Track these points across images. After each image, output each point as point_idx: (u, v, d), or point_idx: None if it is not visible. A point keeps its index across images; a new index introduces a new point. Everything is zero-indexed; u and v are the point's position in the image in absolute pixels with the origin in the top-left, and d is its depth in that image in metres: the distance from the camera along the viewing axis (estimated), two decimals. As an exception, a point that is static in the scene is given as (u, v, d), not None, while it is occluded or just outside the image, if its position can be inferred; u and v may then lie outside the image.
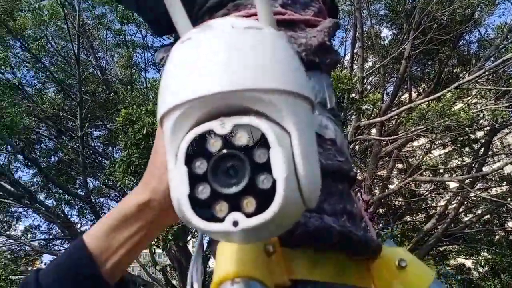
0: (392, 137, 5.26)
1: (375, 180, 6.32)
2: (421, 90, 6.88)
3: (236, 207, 0.35)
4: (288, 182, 0.35)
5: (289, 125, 0.37)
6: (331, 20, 0.67)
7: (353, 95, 4.96)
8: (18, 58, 7.37)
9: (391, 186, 6.17)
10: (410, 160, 6.50)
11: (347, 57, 6.39)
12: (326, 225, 0.53)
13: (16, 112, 6.79)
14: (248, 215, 0.35)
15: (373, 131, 6.20)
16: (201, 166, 0.37)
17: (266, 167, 0.35)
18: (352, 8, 5.84)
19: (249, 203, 0.35)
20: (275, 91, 0.37)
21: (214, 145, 0.37)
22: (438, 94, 4.39)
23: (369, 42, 6.57)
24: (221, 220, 0.35)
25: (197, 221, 0.36)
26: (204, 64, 0.38)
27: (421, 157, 6.20)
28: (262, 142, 0.36)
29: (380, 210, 7.10)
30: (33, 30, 6.61)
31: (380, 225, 7.12)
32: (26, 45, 6.81)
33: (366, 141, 6.03)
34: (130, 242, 0.56)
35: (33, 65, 7.63)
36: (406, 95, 6.78)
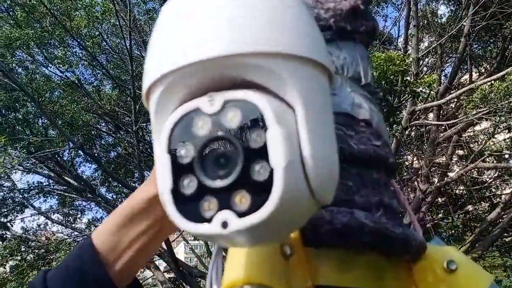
0: (451, 122, 4.93)
1: (433, 168, 5.97)
2: (483, 70, 6.39)
3: (227, 204, 0.28)
4: (290, 172, 0.28)
5: (293, 98, 0.30)
6: (365, -18, 0.57)
7: (408, 78, 4.68)
8: (76, 56, 7.70)
9: (451, 174, 5.81)
10: (471, 145, 6.07)
11: (401, 38, 6.06)
12: (356, 221, 0.45)
13: (75, 109, 7.12)
14: (241, 214, 0.28)
15: (430, 115, 5.86)
16: (187, 154, 0.30)
17: (262, 153, 0.28)
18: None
19: (243, 199, 0.28)
20: (276, 55, 0.29)
21: (202, 127, 0.30)
22: (502, 73, 4.02)
23: (425, 21, 6.19)
24: (209, 220, 0.29)
25: (180, 222, 0.29)
26: (186, 27, 0.31)
27: (484, 142, 5.77)
28: (259, 122, 0.29)
29: (440, 200, 6.72)
30: (88, 28, 6.86)
31: (440, 215, 6.76)
32: (82, 43, 7.10)
33: (423, 126, 5.70)
34: (140, 240, 0.51)
35: (90, 63, 7.95)
36: (467, 76, 6.32)
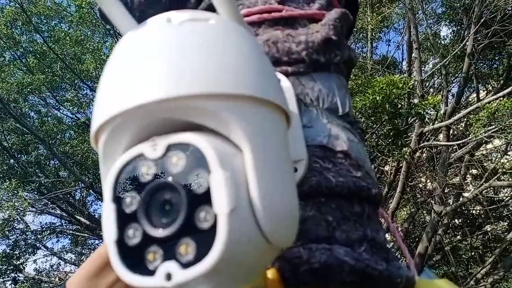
0: (460, 141, 4.84)
1: (448, 189, 5.84)
2: (490, 88, 6.34)
3: (172, 254, 0.27)
4: (234, 218, 0.26)
5: (239, 139, 0.28)
6: (338, 10, 0.57)
7: (416, 100, 4.65)
8: (86, 98, 7.86)
9: (466, 194, 5.68)
10: (485, 164, 5.96)
11: (405, 62, 6.08)
12: (335, 259, 0.42)
13: (85, 148, 7.20)
14: (186, 264, 0.26)
15: (441, 136, 5.79)
16: (132, 202, 0.29)
17: (207, 199, 0.27)
18: (405, 10, 5.58)
19: (188, 248, 0.27)
20: (216, 96, 0.28)
21: (147, 173, 0.29)
22: (508, 90, 3.98)
23: (428, 43, 6.22)
24: (153, 272, 0.27)
25: (124, 274, 0.28)
26: (130, 71, 0.30)
27: (496, 160, 5.66)
28: (203, 166, 0.27)
29: (456, 221, 6.55)
30: (97, 70, 7.03)
31: (458, 237, 6.56)
32: (92, 85, 7.26)
33: (433, 148, 5.62)
34: (116, 287, 0.49)
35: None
36: (474, 95, 6.28)
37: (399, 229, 6.40)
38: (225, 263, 0.26)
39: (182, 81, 0.28)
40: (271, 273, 0.43)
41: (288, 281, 0.43)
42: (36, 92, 6.98)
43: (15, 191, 5.68)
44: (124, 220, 0.29)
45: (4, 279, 6.51)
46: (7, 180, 5.95)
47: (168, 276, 0.26)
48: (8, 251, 6.56)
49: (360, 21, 5.83)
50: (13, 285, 6.57)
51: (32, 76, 6.56)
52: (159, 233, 0.27)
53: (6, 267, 6.37)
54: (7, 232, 6.37)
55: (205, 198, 0.26)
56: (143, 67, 0.29)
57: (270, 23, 0.56)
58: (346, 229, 0.47)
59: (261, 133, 0.29)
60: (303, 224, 0.46)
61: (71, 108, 7.60)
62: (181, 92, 0.27)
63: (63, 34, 6.63)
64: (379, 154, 4.79)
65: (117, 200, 0.29)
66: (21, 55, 7.09)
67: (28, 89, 6.64)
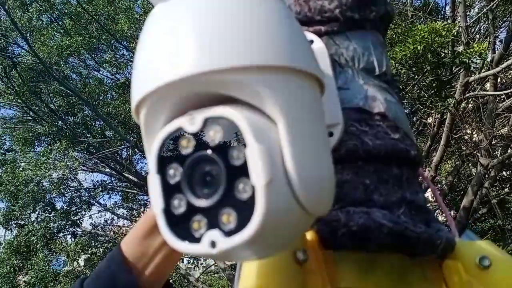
0: (509, 91, 4.58)
1: (495, 141, 5.61)
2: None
3: (215, 222, 0.28)
4: (271, 189, 0.27)
5: (273, 111, 0.29)
6: (373, -35, 0.54)
7: (461, 48, 4.39)
8: (123, 58, 7.98)
9: (515, 145, 5.45)
10: (536, 113, 5.65)
11: (448, 7, 5.72)
12: (373, 222, 0.43)
13: (128, 109, 7.40)
14: (229, 233, 0.28)
15: (487, 86, 5.50)
16: (175, 174, 0.31)
17: (244, 171, 0.28)
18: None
19: (230, 217, 0.28)
20: (247, 69, 0.28)
21: (187, 146, 0.30)
22: None
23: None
24: (199, 239, 0.29)
25: (172, 242, 0.30)
26: (163, 45, 0.30)
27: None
28: (239, 139, 0.28)
29: (504, 173, 6.33)
30: (131, 30, 7.08)
31: (506, 189, 6.37)
32: (127, 45, 7.34)
33: (480, 98, 5.36)
34: (164, 249, 0.53)
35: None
36: (526, 40, 5.86)
37: (443, 183, 6.28)
38: (264, 231, 0.27)
39: (213, 55, 0.28)
40: (310, 236, 0.45)
41: (327, 244, 0.45)
42: (76, 54, 7.15)
43: (66, 151, 5.98)
44: (169, 190, 0.30)
45: (64, 233, 7.01)
46: (57, 141, 6.26)
47: (213, 244, 0.28)
48: (65, 207, 7.01)
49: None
50: (72, 239, 7.06)
51: (70, 38, 6.70)
52: (202, 203, 0.29)
53: (65, 222, 6.82)
54: (63, 190, 6.79)
55: (243, 170, 0.27)
56: (176, 42, 0.30)
57: (303, -19, 0.55)
58: (384, 192, 0.47)
59: (294, 104, 0.29)
60: (341, 187, 0.47)
61: (110, 69, 7.76)
62: (213, 66, 0.28)
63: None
64: (421, 107, 4.64)
65: (162, 172, 0.31)
66: (57, 18, 7.21)
67: (68, 52, 6.81)
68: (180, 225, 0.30)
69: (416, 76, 4.08)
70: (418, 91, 4.45)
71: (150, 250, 0.53)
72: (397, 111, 0.52)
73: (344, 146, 0.48)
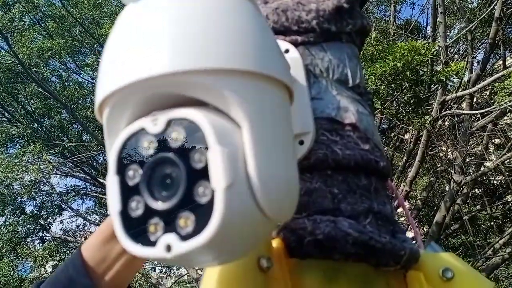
0: (484, 110, 4.71)
1: (469, 159, 5.75)
2: (518, 55, 6.10)
3: (172, 226, 0.28)
4: (231, 193, 0.26)
5: (238, 115, 0.29)
6: (350, -22, 0.55)
7: (439, 67, 4.49)
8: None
9: (487, 164, 5.59)
10: (508, 133, 5.81)
11: (429, 27, 5.86)
12: (339, 231, 0.43)
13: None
14: (185, 237, 0.27)
15: (464, 105, 5.64)
16: (134, 175, 0.30)
17: (205, 174, 0.27)
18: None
19: (188, 221, 0.27)
20: (212, 71, 0.28)
21: (148, 147, 0.30)
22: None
23: (454, 7, 5.96)
24: (154, 243, 0.28)
25: (127, 245, 0.29)
26: (129, 45, 0.30)
27: (521, 129, 5.52)
28: (201, 141, 0.28)
29: (476, 191, 6.47)
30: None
31: (477, 206, 6.51)
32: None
33: (455, 116, 5.49)
34: (126, 254, 0.51)
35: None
36: (500, 62, 6.05)
37: (418, 198, 6.37)
38: (222, 236, 0.26)
39: (178, 56, 0.28)
40: (276, 243, 0.44)
41: (293, 252, 0.44)
42: (57, 56, 7.04)
43: (40, 154, 5.85)
44: (127, 192, 0.30)
45: (33, 238, 6.81)
46: (31, 144, 6.12)
47: (168, 248, 0.27)
48: (35, 211, 6.82)
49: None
50: (40, 244, 6.87)
51: (52, 41, 6.60)
52: (160, 206, 0.28)
53: (34, 227, 6.64)
54: (34, 194, 6.62)
55: (204, 173, 0.27)
56: (142, 42, 0.29)
57: (281, -10, 0.55)
58: (351, 201, 0.47)
59: (259, 109, 0.29)
60: (309, 196, 0.47)
61: (91, 73, 7.66)
62: (177, 67, 0.27)
63: (80, -3, 6.59)
64: (398, 123, 4.72)
65: (121, 173, 0.30)
66: (40, 19, 7.10)
67: (49, 54, 6.70)
68: (137, 228, 0.29)
69: (395, 93, 4.16)
70: (396, 107, 4.54)
71: (111, 256, 0.52)
72: (368, 122, 0.53)
73: (314, 155, 0.48)
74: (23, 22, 6.79)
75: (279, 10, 0.52)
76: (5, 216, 6.32)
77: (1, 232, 6.00)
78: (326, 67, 0.53)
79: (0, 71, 6.51)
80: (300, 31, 0.52)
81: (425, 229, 6.31)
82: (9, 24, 6.46)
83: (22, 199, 6.50)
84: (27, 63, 6.44)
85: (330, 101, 0.51)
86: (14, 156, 5.84)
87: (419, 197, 6.41)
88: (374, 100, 3.69)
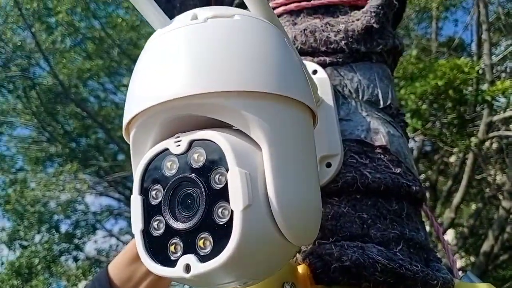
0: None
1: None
2: None
3: (191, 246, 0.27)
4: (249, 215, 0.26)
5: (258, 137, 0.28)
6: (382, -4, 0.54)
7: (485, 86, 4.29)
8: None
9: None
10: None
11: (474, 44, 5.63)
12: (367, 258, 0.41)
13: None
14: (203, 257, 0.27)
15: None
16: (157, 195, 0.30)
17: (224, 195, 0.27)
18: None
19: (206, 242, 0.27)
20: (232, 94, 0.28)
21: (171, 168, 0.30)
22: None
23: (499, 24, 5.72)
24: (174, 263, 0.28)
25: (148, 263, 0.29)
26: (155, 69, 0.31)
27: None
28: (221, 163, 0.28)
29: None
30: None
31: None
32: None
33: (503, 138, 5.23)
34: (151, 275, 0.51)
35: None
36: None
37: (464, 226, 6.05)
38: (240, 257, 0.26)
39: (200, 79, 0.28)
40: (302, 269, 0.43)
41: (319, 278, 0.43)
42: (95, 77, 7.31)
43: (76, 174, 6.02)
44: (150, 212, 0.30)
45: (67, 257, 6.95)
46: (68, 163, 6.32)
47: (187, 268, 0.27)
48: (70, 230, 6.97)
49: (423, -1, 5.36)
50: (74, 263, 7.00)
51: (90, 62, 6.86)
52: (180, 226, 0.28)
53: (68, 245, 6.78)
54: (69, 212, 6.79)
55: (223, 194, 0.27)
56: (164, 66, 0.30)
57: (310, 11, 0.55)
58: (381, 227, 0.45)
59: (280, 131, 0.29)
60: (337, 220, 0.45)
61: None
62: (198, 90, 0.28)
63: (119, 20, 6.85)
64: (442, 145, 4.52)
65: (145, 193, 0.30)
66: (80, 41, 7.42)
67: (87, 75, 6.96)
68: (158, 247, 0.29)
69: (438, 113, 4.00)
70: (439, 128, 4.35)
71: (137, 275, 0.52)
72: (400, 145, 0.51)
73: (342, 178, 0.46)
74: (64, 45, 7.10)
75: (307, 31, 0.52)
76: (41, 234, 6.49)
77: (37, 250, 6.15)
78: (355, 88, 0.52)
79: (41, 91, 6.81)
80: (328, 52, 0.52)
81: (472, 259, 6.00)
82: (51, 46, 6.78)
83: (58, 218, 6.67)
84: (67, 84, 6.72)
85: (360, 123, 0.50)
86: (51, 175, 6.04)
87: (465, 225, 6.10)
88: (414, 120, 3.58)
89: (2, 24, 6.25)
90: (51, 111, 7.10)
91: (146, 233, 0.30)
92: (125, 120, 0.32)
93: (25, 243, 6.42)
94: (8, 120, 7.13)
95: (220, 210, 0.27)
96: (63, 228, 6.89)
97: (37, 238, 6.46)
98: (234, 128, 0.30)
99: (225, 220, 0.26)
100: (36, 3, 6.13)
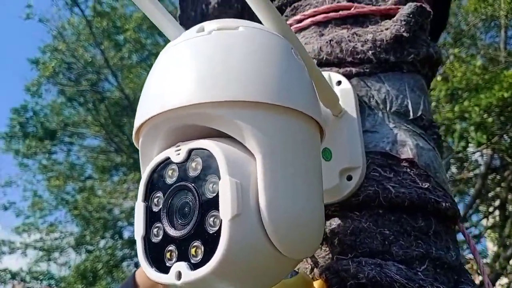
0: None
1: None
2: None
3: (185, 254, 0.28)
4: (238, 224, 0.26)
5: (252, 146, 0.28)
6: (412, 4, 0.52)
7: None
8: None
9: None
10: None
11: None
12: (384, 276, 0.39)
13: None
14: (194, 266, 0.27)
15: None
16: (158, 202, 0.31)
17: (216, 203, 0.27)
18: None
19: (198, 250, 0.28)
20: (227, 103, 0.28)
21: (171, 176, 0.31)
22: None
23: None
24: (168, 269, 0.28)
25: (146, 269, 0.30)
26: (160, 79, 0.32)
27: None
28: (215, 172, 0.28)
29: None
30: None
31: None
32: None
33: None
34: None
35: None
36: None
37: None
38: (229, 266, 0.26)
39: (197, 89, 0.29)
40: (318, 285, 0.42)
41: (335, 294, 0.41)
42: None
43: (139, 182, 6.29)
44: (152, 218, 0.31)
45: (128, 262, 7.24)
46: (132, 172, 6.62)
47: (179, 275, 0.27)
48: (132, 237, 7.25)
49: (490, 7, 5.07)
50: (135, 269, 7.27)
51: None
52: (175, 233, 0.29)
53: (130, 251, 7.07)
54: (132, 220, 7.09)
55: (216, 203, 0.27)
56: (170, 77, 0.31)
57: (338, 21, 0.54)
58: (404, 244, 0.43)
59: (276, 141, 0.29)
60: (356, 236, 0.44)
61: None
62: (193, 100, 0.28)
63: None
64: (510, 160, 4.23)
65: (148, 200, 0.31)
66: (146, 57, 7.80)
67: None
68: (157, 254, 0.30)
69: (505, 126, 3.75)
70: (509, 142, 4.07)
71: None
72: (430, 158, 0.49)
73: (364, 192, 0.45)
74: (131, 61, 7.51)
75: (333, 42, 0.52)
76: (106, 239, 6.83)
77: (101, 255, 6.47)
78: (383, 99, 0.50)
79: (109, 104, 7.23)
80: (355, 62, 0.51)
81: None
82: (119, 62, 7.20)
83: (122, 224, 6.99)
84: (133, 98, 7.08)
85: (386, 135, 0.48)
86: (116, 183, 6.35)
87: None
88: (479, 134, 3.37)
89: (74, 42, 6.73)
90: (118, 123, 7.50)
91: (147, 239, 0.30)
92: (135, 127, 0.33)
93: (90, 247, 6.78)
94: (78, 131, 7.62)
95: (211, 219, 0.27)
96: (126, 234, 7.20)
97: (102, 243, 6.80)
98: (233, 137, 0.30)
99: (215, 229, 0.27)
100: (106, 22, 6.55)
